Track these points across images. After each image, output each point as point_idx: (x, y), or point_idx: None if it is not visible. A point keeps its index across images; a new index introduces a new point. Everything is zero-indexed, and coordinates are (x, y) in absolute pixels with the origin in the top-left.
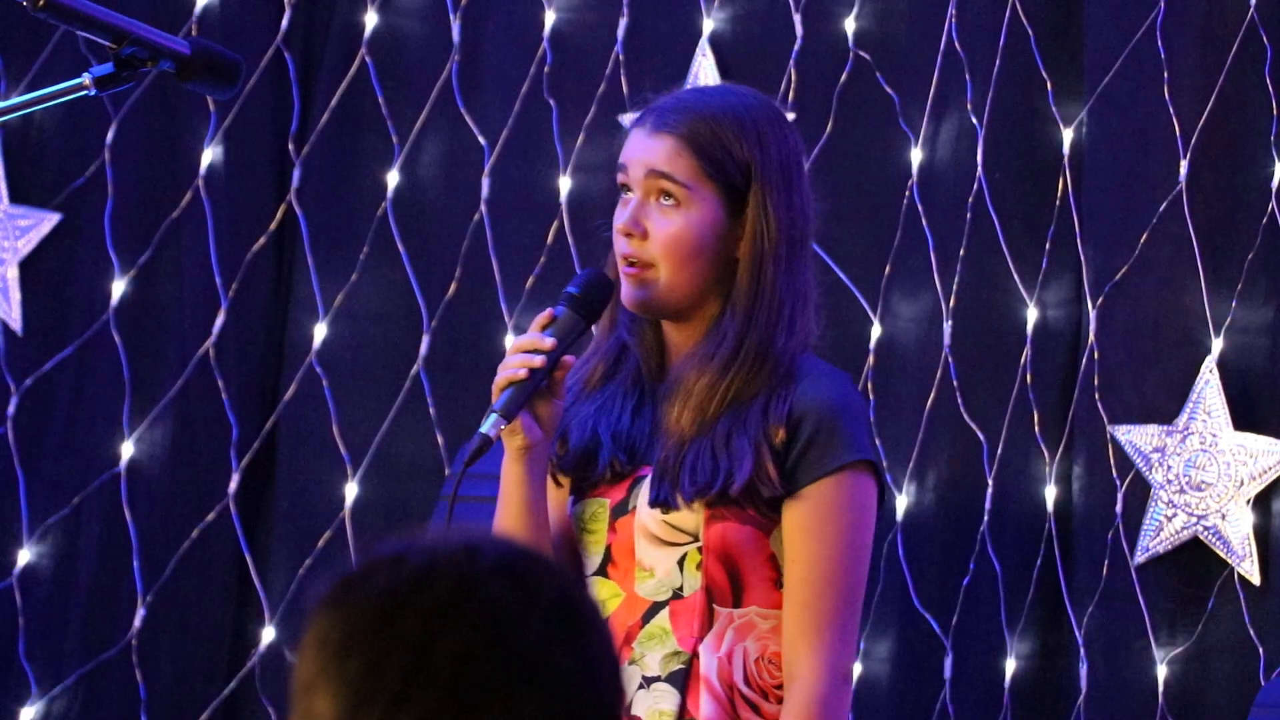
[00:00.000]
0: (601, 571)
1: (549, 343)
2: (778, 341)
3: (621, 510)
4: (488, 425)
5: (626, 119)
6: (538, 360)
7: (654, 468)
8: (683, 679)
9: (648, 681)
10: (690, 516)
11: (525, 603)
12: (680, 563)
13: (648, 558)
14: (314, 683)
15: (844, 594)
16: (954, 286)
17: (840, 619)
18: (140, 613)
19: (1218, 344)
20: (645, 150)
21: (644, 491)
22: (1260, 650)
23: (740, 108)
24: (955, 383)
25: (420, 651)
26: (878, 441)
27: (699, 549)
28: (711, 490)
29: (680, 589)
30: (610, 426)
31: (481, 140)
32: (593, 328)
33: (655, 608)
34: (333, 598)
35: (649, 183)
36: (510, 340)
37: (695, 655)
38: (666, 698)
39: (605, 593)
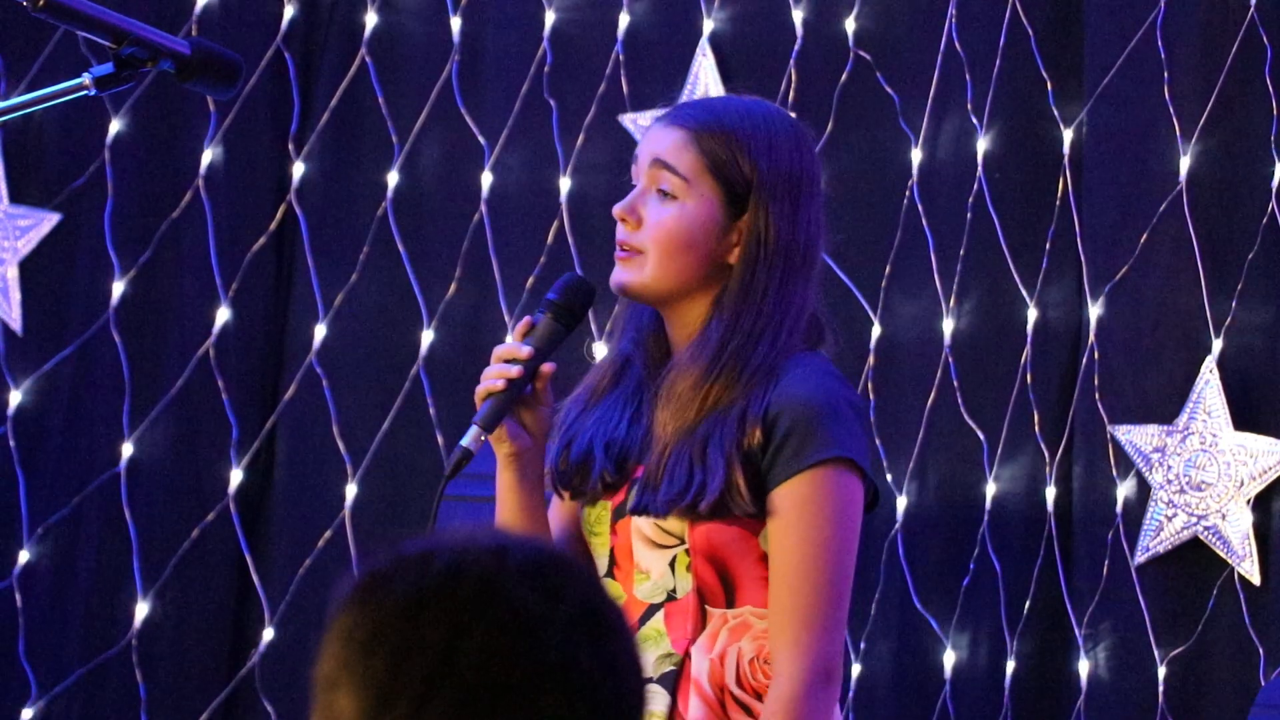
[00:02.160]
0: (609, 574)
1: (525, 351)
2: (760, 350)
3: (620, 513)
4: (468, 438)
5: (627, 119)
6: (514, 370)
7: (643, 471)
8: (673, 680)
9: None
10: (676, 520)
11: (550, 605)
12: (671, 565)
13: (644, 560)
14: (337, 679)
15: (824, 592)
16: (954, 286)
17: (820, 617)
18: (140, 613)
19: (1218, 344)
20: (655, 141)
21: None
22: (1260, 650)
23: (758, 117)
24: (955, 383)
25: (444, 651)
26: (878, 441)
27: (687, 551)
28: (683, 502)
29: (674, 591)
30: (605, 437)
31: (481, 140)
32: (600, 341)
33: (651, 610)
34: (359, 594)
35: (652, 172)
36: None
37: (687, 656)
38: (657, 699)
39: (611, 594)
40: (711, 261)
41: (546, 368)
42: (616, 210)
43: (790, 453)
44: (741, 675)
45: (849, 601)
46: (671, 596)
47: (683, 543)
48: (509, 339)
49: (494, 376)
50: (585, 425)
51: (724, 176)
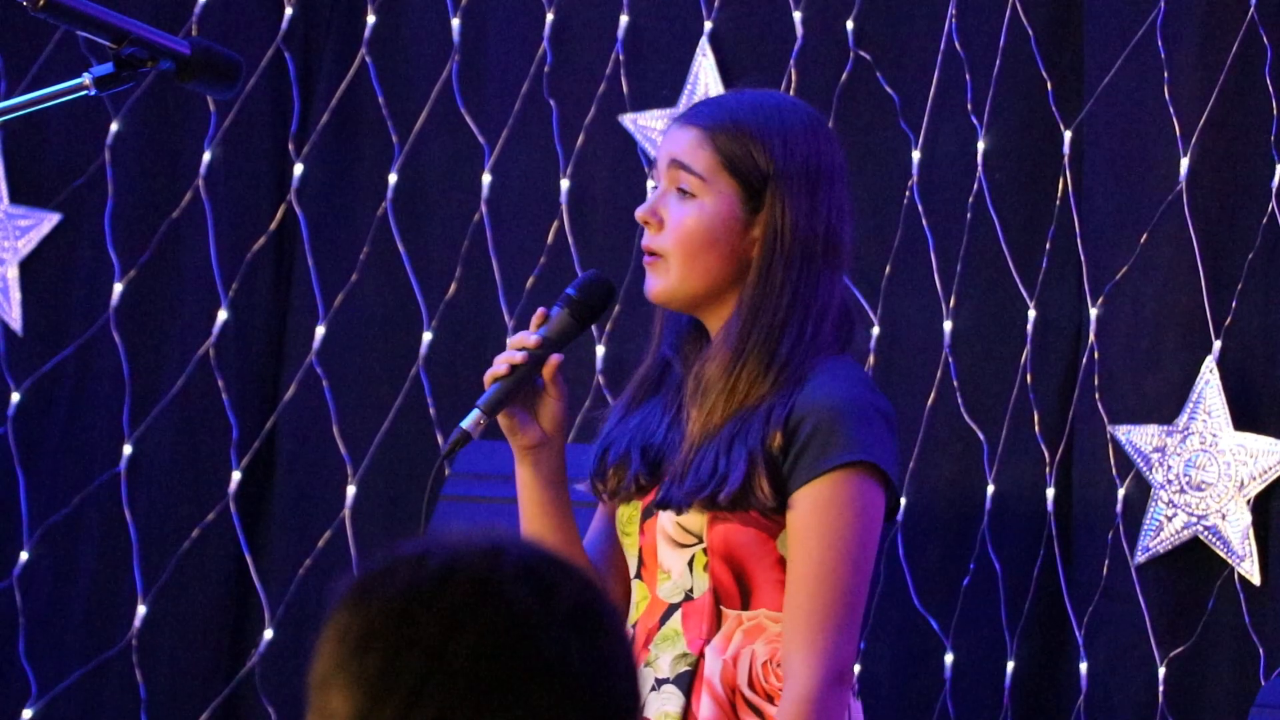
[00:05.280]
0: (638, 574)
1: (533, 339)
2: (783, 345)
3: (648, 513)
4: (467, 420)
5: (627, 119)
6: (519, 356)
7: (671, 469)
8: (688, 681)
9: (658, 684)
10: (696, 518)
11: (544, 606)
12: (690, 564)
13: (666, 559)
14: (330, 678)
15: (840, 595)
16: (954, 286)
17: (836, 620)
18: (140, 613)
19: (1217, 344)
20: (671, 142)
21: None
22: (1260, 650)
23: (771, 110)
24: (955, 383)
25: (437, 651)
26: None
27: (704, 550)
28: (702, 495)
29: (691, 591)
30: (642, 441)
31: (481, 140)
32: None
33: (670, 610)
34: (353, 594)
35: (671, 173)
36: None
37: (701, 656)
38: (672, 700)
39: (639, 594)
40: (735, 259)
41: (554, 359)
42: (639, 214)
43: (812, 456)
44: (754, 677)
45: (864, 606)
46: (689, 596)
47: (701, 542)
48: (519, 330)
49: (501, 361)
50: (625, 430)
51: (740, 172)
